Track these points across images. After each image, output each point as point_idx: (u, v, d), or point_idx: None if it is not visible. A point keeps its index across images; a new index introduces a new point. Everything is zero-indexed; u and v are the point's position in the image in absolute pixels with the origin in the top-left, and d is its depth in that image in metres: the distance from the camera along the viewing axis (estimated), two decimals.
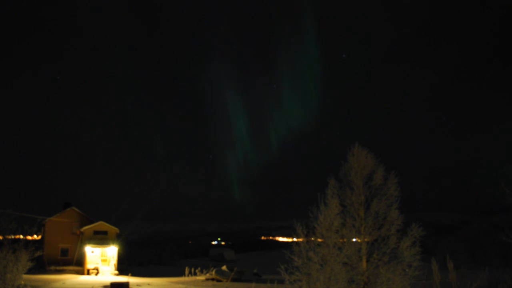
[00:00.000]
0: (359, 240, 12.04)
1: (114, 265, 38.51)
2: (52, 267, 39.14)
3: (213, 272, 34.19)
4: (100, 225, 40.00)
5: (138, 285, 28.76)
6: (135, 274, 38.42)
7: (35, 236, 41.34)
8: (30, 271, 24.76)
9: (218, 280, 33.20)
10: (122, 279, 32.11)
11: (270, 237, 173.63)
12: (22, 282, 20.96)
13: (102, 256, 38.86)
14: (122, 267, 42.65)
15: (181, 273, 38.64)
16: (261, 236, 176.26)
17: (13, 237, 26.93)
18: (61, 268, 39.40)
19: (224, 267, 36.63)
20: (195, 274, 37.28)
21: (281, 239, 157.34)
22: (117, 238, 40.10)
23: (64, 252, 41.85)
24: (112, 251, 38.82)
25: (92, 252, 38.42)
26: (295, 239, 11.79)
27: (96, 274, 37.17)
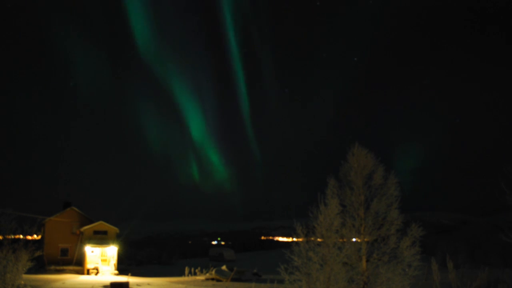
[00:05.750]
0: (359, 240, 12.05)
1: (114, 265, 38.51)
2: (52, 267, 39.12)
3: (213, 272, 34.21)
4: (100, 225, 39.99)
5: (138, 285, 28.76)
6: (135, 274, 38.42)
7: (35, 236, 41.43)
8: (30, 271, 24.78)
9: (218, 280, 33.21)
10: (122, 279, 32.11)
11: (270, 237, 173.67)
12: (22, 282, 20.95)
13: (102, 256, 38.85)
14: (122, 267, 42.65)
15: (181, 273, 38.62)
16: (261, 236, 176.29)
17: (13, 237, 26.98)
18: (61, 268, 39.37)
19: (224, 267, 36.62)
20: (195, 274, 37.28)
21: (281, 239, 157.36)
22: (117, 238, 40.07)
23: (64, 252, 41.83)
24: (112, 251, 38.82)
25: (92, 252, 38.42)
26: (295, 239, 11.79)
27: (96, 274, 37.17)
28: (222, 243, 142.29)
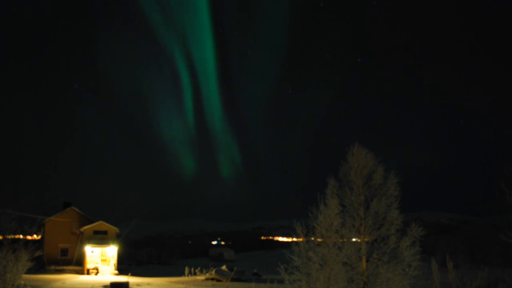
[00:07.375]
0: (358, 240, 12.06)
1: (114, 265, 38.51)
2: (52, 267, 39.11)
3: (213, 272, 34.20)
4: (100, 225, 39.98)
5: (138, 285, 28.77)
6: (134, 274, 38.40)
7: (35, 236, 41.38)
8: (30, 271, 24.73)
9: (218, 280, 33.21)
10: (122, 279, 32.11)
11: (270, 237, 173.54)
12: (22, 282, 20.96)
13: (102, 256, 38.84)
14: (122, 267, 42.63)
15: (181, 273, 38.62)
16: (261, 236, 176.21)
17: (13, 237, 26.93)
18: (61, 268, 39.36)
19: (224, 267, 36.62)
20: (195, 274, 37.27)
21: (281, 239, 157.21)
22: (117, 238, 40.06)
23: (64, 252, 41.82)
24: (112, 251, 38.80)
25: (92, 252, 38.41)
26: (295, 239, 11.79)
27: (96, 274, 37.16)
28: (222, 243, 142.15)
